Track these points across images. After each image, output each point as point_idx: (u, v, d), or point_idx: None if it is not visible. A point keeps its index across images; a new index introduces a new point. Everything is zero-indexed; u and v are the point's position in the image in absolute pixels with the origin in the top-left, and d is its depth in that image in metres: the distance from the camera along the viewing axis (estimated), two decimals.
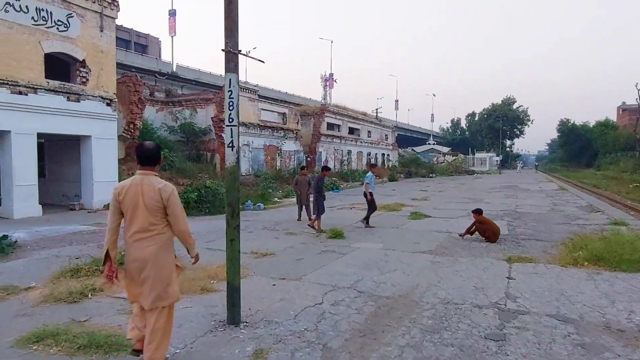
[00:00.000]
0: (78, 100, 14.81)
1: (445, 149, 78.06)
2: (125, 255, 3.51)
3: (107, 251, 3.45)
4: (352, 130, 39.65)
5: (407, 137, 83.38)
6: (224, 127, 17.39)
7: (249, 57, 4.67)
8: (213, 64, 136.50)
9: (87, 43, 14.95)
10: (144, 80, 31.21)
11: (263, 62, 5.01)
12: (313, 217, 10.83)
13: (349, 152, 38.61)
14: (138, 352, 3.51)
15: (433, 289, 5.91)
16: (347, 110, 39.01)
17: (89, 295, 5.29)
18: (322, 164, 33.86)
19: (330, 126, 35.50)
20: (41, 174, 16.97)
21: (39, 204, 13.89)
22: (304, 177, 13.36)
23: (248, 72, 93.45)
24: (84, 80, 15.09)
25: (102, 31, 15.50)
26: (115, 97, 16.34)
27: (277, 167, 27.87)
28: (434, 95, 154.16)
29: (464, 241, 9.43)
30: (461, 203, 18.26)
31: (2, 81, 12.60)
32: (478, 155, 75.05)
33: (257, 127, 25.98)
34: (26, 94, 13.21)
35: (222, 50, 4.33)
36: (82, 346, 3.75)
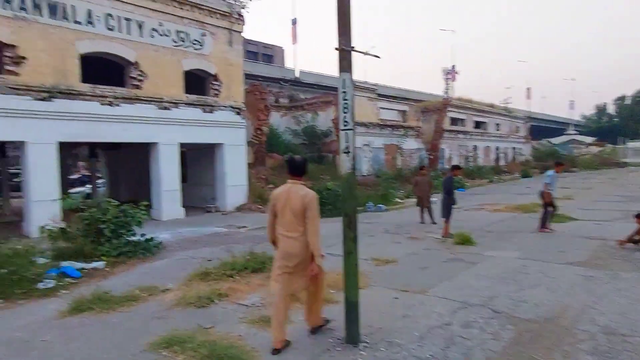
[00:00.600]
0: (212, 111, 16.12)
1: (589, 139, 68.39)
2: (278, 249, 4.30)
3: (273, 242, 4.40)
4: (478, 124, 36.99)
5: (542, 128, 75.20)
6: None
7: (362, 53, 4.33)
8: (333, 67, 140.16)
9: (218, 58, 16.20)
10: (270, 88, 33.19)
11: (378, 57, 4.65)
12: (442, 224, 9.92)
13: (475, 147, 36.06)
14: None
15: (589, 312, 4.91)
16: (472, 103, 36.49)
17: (215, 301, 5.48)
18: (446, 162, 32.23)
19: (454, 121, 33.57)
20: (183, 179, 18.98)
21: (182, 206, 15.42)
22: (424, 177, 12.62)
23: (367, 71, 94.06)
24: (216, 92, 16.38)
25: (230, 45, 16.65)
26: (244, 105, 17.42)
27: (399, 167, 27.21)
28: (572, 79, 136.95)
29: (625, 251, 7.87)
30: (615, 202, 15.61)
31: (150, 99, 14.26)
32: (631, 144, 64.08)
33: (377, 126, 25.66)
34: (169, 109, 14.77)
35: (336, 49, 4.06)
36: (204, 357, 3.80)
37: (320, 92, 37.83)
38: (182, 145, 16.84)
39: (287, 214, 4.13)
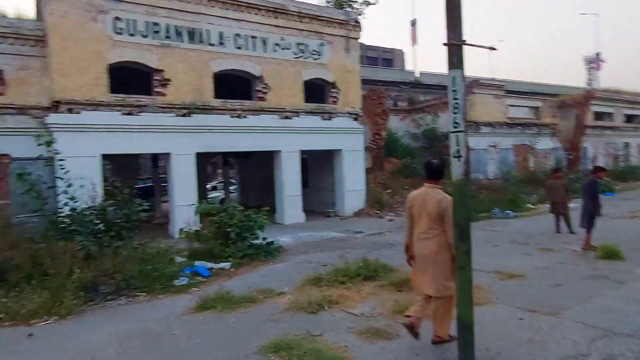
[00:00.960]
0: (330, 118, 16.51)
1: None
2: (414, 249, 4.44)
3: (407, 245, 4.51)
4: (629, 118, 31.82)
5: None
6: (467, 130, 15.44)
7: (475, 46, 3.97)
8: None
9: (335, 65, 16.56)
10: (389, 92, 32.93)
11: (494, 49, 4.20)
12: (583, 235, 8.65)
13: (626, 144, 31.07)
14: (410, 327, 4.20)
15: None
16: (622, 94, 31.52)
17: (326, 307, 5.51)
18: (589, 162, 28.26)
19: (599, 115, 29.35)
20: (305, 184, 19.78)
21: (304, 210, 16.05)
22: (559, 180, 11.19)
23: (494, 67, 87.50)
24: (334, 99, 16.74)
25: (348, 52, 16.90)
26: (361, 111, 17.52)
27: (531, 168, 24.72)
28: None
29: None
30: None
31: (273, 109, 15.16)
32: None
33: (505, 125, 23.69)
34: (291, 118, 15.51)
35: (444, 44, 3.78)
36: None
37: (442, 93, 36.41)
38: (303, 152, 17.58)
39: (424, 217, 4.28)
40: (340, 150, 16.87)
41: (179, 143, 13.41)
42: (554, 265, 7.36)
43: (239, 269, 8.55)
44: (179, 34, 13.43)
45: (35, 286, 6.36)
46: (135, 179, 28.29)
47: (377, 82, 37.88)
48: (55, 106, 11.86)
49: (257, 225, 9.50)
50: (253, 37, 14.72)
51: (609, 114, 30.37)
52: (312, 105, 16.09)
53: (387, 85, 38.68)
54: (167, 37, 13.24)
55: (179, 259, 8.88)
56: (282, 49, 15.32)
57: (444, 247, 4.18)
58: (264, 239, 9.70)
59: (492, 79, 25.72)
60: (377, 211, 16.72)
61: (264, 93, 15.05)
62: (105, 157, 12.76)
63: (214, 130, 13.97)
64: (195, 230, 9.94)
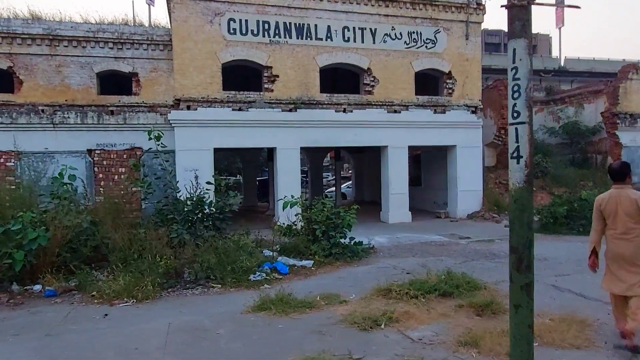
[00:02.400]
0: (444, 112, 15.24)
1: None
2: (606, 251, 4.49)
3: (594, 248, 4.53)
4: None
5: None
6: (617, 123, 13.56)
7: (547, 5, 2.96)
8: (607, 51, 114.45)
9: (452, 54, 15.19)
10: (536, 82, 29.46)
11: (578, 7, 3.10)
12: None
13: None
14: (629, 348, 4.16)
15: None
16: None
17: (382, 325, 4.86)
18: None
19: None
20: (417, 182, 18.74)
21: (414, 210, 15.16)
22: None
23: None
24: (449, 91, 15.40)
25: (467, 39, 15.38)
26: (480, 103, 15.84)
27: None
28: None
29: None
30: None
31: (381, 103, 14.52)
32: None
33: None
34: (399, 112, 14.70)
35: (502, 6, 2.89)
36: None
37: (593, 81, 31.35)
38: (416, 147, 16.59)
39: (619, 218, 4.32)
40: (454, 146, 15.50)
41: (284, 138, 13.66)
42: None
43: (320, 268, 8.27)
44: (287, 30, 13.64)
45: (126, 269, 6.91)
46: (260, 173, 30.23)
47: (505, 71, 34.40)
48: (176, 104, 13.01)
49: (344, 224, 9.09)
50: (361, 28, 14.27)
51: None
52: (423, 98, 15.04)
53: None
54: (277, 34, 13.53)
55: (267, 253, 8.97)
56: (392, 39, 14.57)
57: None
58: (352, 238, 9.25)
59: None
60: (495, 214, 14.96)
61: (372, 86, 14.52)
62: (228, 151, 13.62)
63: (318, 125, 13.93)
64: (288, 225, 9.93)
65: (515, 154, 2.82)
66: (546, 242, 10.33)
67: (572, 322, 4.74)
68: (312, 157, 23.90)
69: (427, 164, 18.44)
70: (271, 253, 9.00)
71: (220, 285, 6.95)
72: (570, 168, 18.83)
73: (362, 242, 9.41)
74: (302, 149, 14.51)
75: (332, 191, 28.51)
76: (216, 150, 13.38)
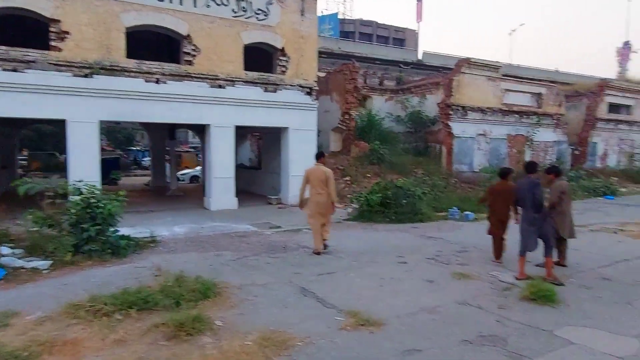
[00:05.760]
0: (275, 91, 14.15)
1: None
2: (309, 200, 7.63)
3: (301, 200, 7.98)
4: None
5: None
6: (451, 114, 13.33)
7: None
8: (461, 48, 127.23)
9: (286, 29, 14.11)
10: (389, 72, 30.15)
11: None
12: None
13: None
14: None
15: None
16: None
17: None
18: (598, 159, 24.99)
19: (614, 108, 26.13)
20: (258, 166, 17.60)
21: (252, 195, 13.90)
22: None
23: (513, 54, 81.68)
24: (283, 69, 14.34)
25: (302, 15, 14.40)
26: (316, 85, 15.10)
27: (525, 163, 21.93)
28: None
29: None
30: None
31: (203, 76, 12.87)
32: None
33: (499, 112, 20.87)
34: (224, 87, 13.21)
35: None
36: None
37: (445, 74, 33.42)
38: (256, 129, 15.33)
39: (317, 182, 7.61)
40: (287, 128, 14.55)
41: (76, 109, 11.29)
42: (450, 306, 4.98)
43: (60, 270, 6.50)
44: None
45: None
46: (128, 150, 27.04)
47: (374, 60, 35.25)
48: None
49: (105, 213, 7.35)
50: None
51: (627, 107, 27.11)
52: (253, 74, 13.73)
53: (386, 64, 35.99)
54: None
55: (4, 250, 6.94)
56: (218, 4, 12.93)
57: (330, 198, 7.73)
58: (115, 231, 7.57)
59: (497, 62, 22.73)
60: None
61: (192, 56, 12.76)
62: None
63: (123, 96, 11.80)
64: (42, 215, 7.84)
65: None
66: (352, 232, 9.80)
67: (271, 344, 3.73)
68: (153, 136, 21.38)
69: (267, 147, 17.37)
70: (11, 251, 6.99)
71: None
72: (407, 155, 19.29)
73: (129, 236, 7.77)
74: (108, 123, 12.26)
75: (186, 173, 26.25)
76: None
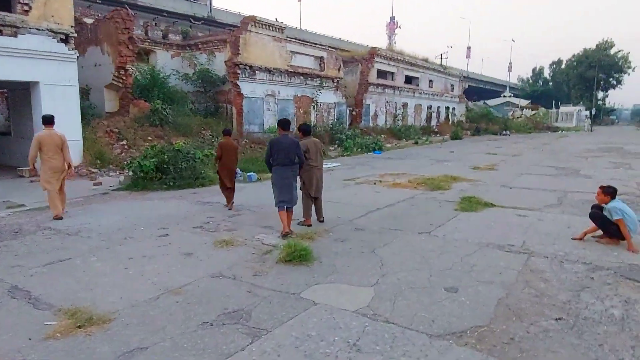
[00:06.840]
0: (15, 35, 11.20)
1: (524, 102, 67.65)
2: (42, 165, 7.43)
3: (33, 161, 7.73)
4: (409, 80, 33.67)
5: (480, 89, 73.98)
6: (239, 74, 12.11)
7: None
8: (256, 6, 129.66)
9: None
10: (178, 26, 27.50)
11: None
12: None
13: (405, 104, 32.92)
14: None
15: None
16: (404, 56, 32.92)
17: None
18: (372, 119, 28.38)
19: (382, 74, 29.94)
20: (7, 130, 14.13)
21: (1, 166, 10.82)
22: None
23: (303, 20, 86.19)
24: (25, 8, 11.39)
25: None
26: (73, 30, 12.56)
27: (312, 123, 23.39)
28: (513, 41, 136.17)
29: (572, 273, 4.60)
30: (546, 176, 12.79)
31: None
32: (563, 109, 63.60)
33: (286, 73, 21.43)
34: None
35: None
36: None
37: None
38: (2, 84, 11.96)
39: (52, 147, 7.37)
40: (37, 82, 11.82)
41: None
42: (198, 283, 4.46)
43: None
44: None
45: None
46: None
47: (161, 11, 32.01)
48: None
49: None
50: None
51: (392, 74, 31.30)
52: None
53: (175, 17, 33.10)
54: None
55: None
56: None
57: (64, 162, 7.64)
58: None
59: (276, 20, 22.99)
60: (96, 170, 12.49)
61: None
62: None
63: None
64: None
65: None
66: (117, 204, 8.55)
67: None
68: None
69: (17, 108, 13.99)
70: None
71: None
72: (195, 117, 18.24)
73: None
74: None
75: None
76: None
